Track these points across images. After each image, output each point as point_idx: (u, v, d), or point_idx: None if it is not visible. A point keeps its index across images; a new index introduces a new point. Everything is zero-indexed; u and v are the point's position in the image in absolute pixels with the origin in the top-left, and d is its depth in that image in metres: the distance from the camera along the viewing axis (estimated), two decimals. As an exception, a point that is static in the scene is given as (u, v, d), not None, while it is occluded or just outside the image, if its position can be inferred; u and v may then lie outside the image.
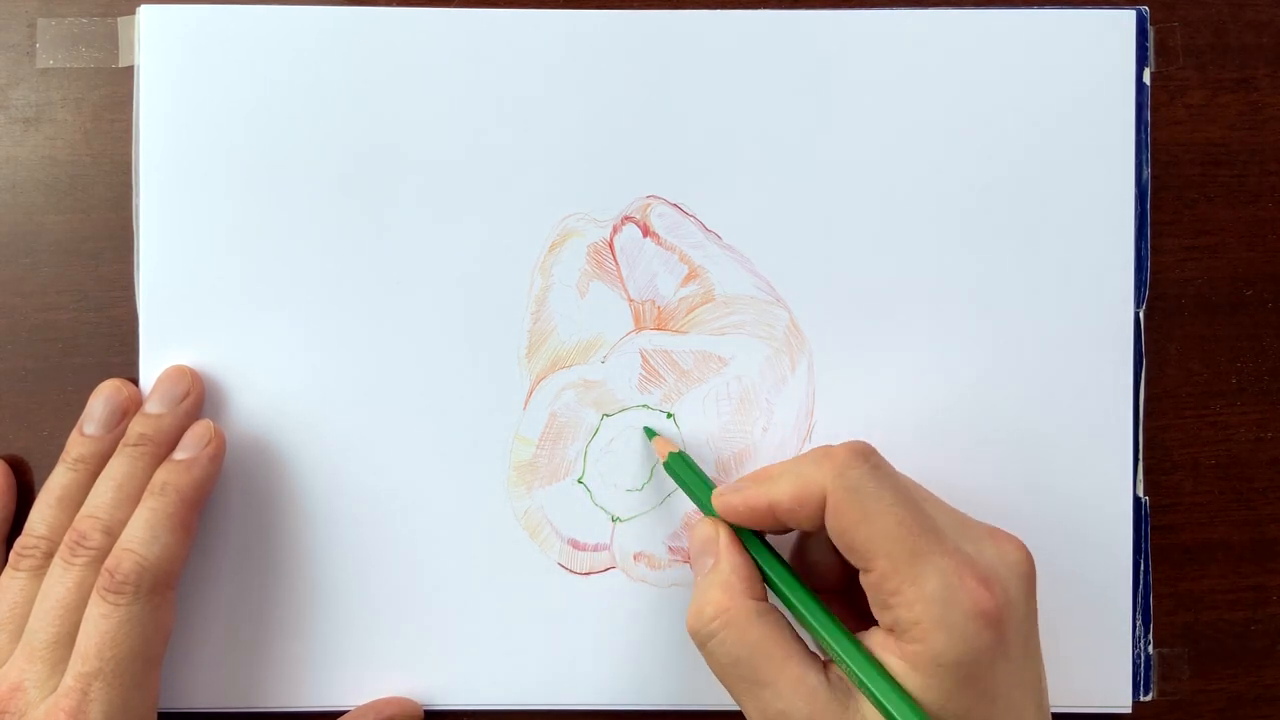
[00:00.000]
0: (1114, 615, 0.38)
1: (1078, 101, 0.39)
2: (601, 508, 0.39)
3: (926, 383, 0.39)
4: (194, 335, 0.38)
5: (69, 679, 0.33)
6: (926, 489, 0.33)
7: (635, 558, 0.39)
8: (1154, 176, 0.39)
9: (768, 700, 0.30)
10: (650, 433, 0.38)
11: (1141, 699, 0.39)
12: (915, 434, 0.38)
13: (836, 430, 0.38)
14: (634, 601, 0.38)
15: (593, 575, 0.38)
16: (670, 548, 0.39)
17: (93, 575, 0.34)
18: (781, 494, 0.32)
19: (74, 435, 0.37)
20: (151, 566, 0.34)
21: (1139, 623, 0.39)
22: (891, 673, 0.29)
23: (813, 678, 0.30)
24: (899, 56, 0.39)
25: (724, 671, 0.31)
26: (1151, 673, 0.39)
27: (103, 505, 0.35)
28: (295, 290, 0.38)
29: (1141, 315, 0.39)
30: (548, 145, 0.38)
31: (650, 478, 0.39)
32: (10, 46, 0.39)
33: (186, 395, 0.37)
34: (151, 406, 0.37)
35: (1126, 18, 0.39)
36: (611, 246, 0.39)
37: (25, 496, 0.38)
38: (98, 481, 0.36)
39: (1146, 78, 0.39)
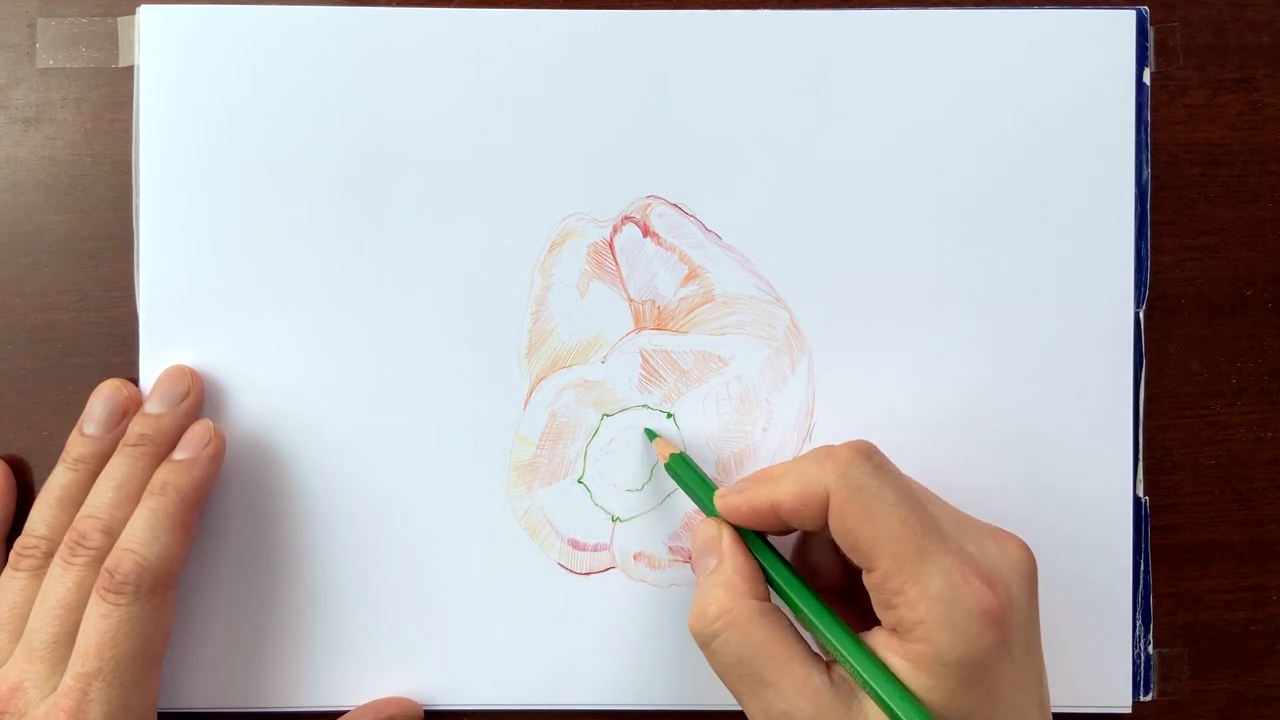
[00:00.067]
0: (1114, 615, 0.39)
1: (1078, 101, 0.39)
2: (601, 508, 0.39)
3: (926, 383, 0.39)
4: (194, 335, 0.38)
5: (69, 679, 0.33)
6: (928, 489, 0.33)
7: (635, 558, 0.39)
8: (1154, 176, 0.39)
9: (771, 700, 0.30)
10: (651, 434, 0.38)
11: (1141, 699, 0.39)
12: (915, 434, 0.38)
13: (836, 430, 0.38)
14: (634, 601, 0.38)
15: (593, 575, 0.38)
16: (670, 548, 0.39)
17: (93, 575, 0.34)
18: (784, 494, 0.32)
19: (74, 435, 0.37)
20: (151, 566, 0.34)
21: (1139, 623, 0.39)
22: (895, 673, 0.29)
23: (816, 678, 0.30)
24: (899, 56, 0.39)
25: (726, 672, 0.31)
26: (1151, 673, 0.39)
27: (103, 505, 0.35)
28: (295, 290, 0.38)
29: (1141, 315, 0.39)
30: (548, 145, 0.38)
31: (650, 478, 0.39)
32: (10, 46, 0.39)
33: (186, 395, 0.37)
34: (151, 406, 0.37)
35: (1126, 18, 0.39)
36: (611, 246, 0.39)
37: (25, 496, 0.38)
38: (98, 481, 0.36)
39: (1146, 78, 0.39)
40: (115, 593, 0.33)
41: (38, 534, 0.36)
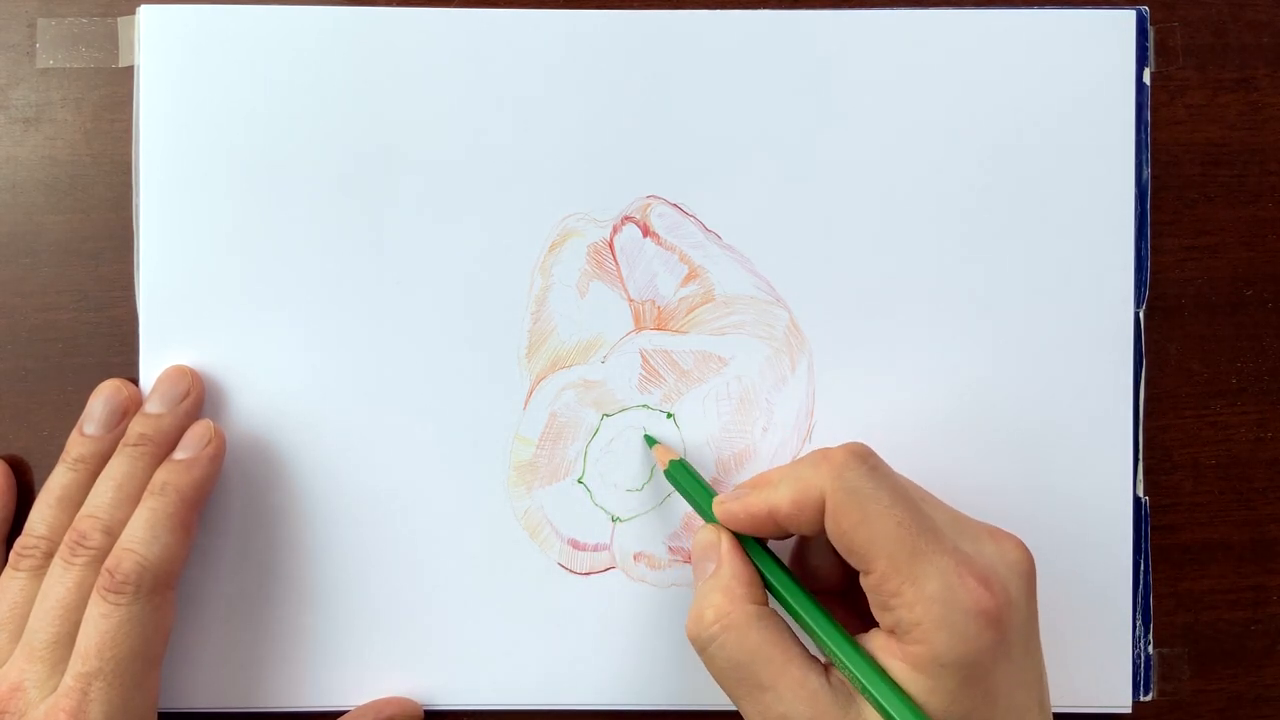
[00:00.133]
0: (1114, 615, 0.38)
1: (1078, 101, 0.39)
2: (601, 508, 0.39)
3: (926, 383, 0.39)
4: (194, 335, 0.38)
5: (69, 679, 0.33)
6: (925, 489, 0.33)
7: (635, 558, 0.39)
8: (1154, 176, 0.39)
9: (769, 704, 0.30)
10: (651, 440, 0.38)
11: (1141, 699, 0.39)
12: (915, 434, 0.38)
13: (836, 430, 0.38)
14: (634, 601, 0.38)
15: (593, 575, 0.38)
16: (670, 548, 0.39)
17: (93, 575, 0.34)
18: (781, 499, 0.32)
19: (74, 435, 0.37)
20: (152, 566, 0.34)
21: (1139, 623, 0.39)
22: (893, 676, 0.29)
23: (814, 681, 0.30)
24: (899, 56, 0.39)
25: (724, 676, 0.31)
26: (1151, 673, 0.39)
27: (103, 505, 0.35)
28: (295, 290, 0.38)
29: (1141, 315, 0.39)
30: (548, 145, 0.38)
31: (650, 478, 0.39)
32: (10, 46, 0.39)
33: (186, 395, 0.37)
34: (151, 406, 0.37)
35: (1126, 18, 0.39)
36: (611, 246, 0.39)
37: (25, 496, 0.38)
38: (98, 481, 0.36)
39: (1146, 78, 0.39)
40: (115, 593, 0.33)
41: (38, 534, 0.36)
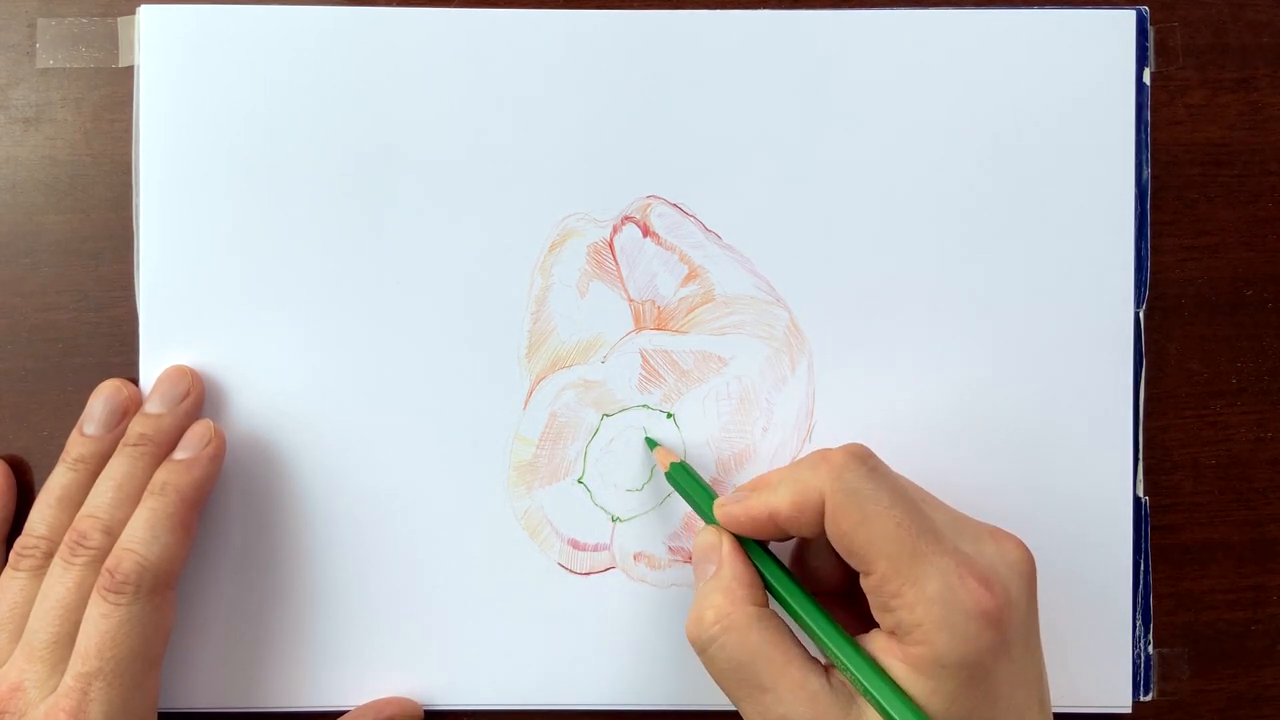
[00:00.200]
0: (1114, 615, 0.39)
1: (1078, 101, 0.39)
2: (601, 508, 0.39)
3: (926, 383, 0.39)
4: (194, 335, 0.38)
5: (69, 679, 0.33)
6: (925, 490, 0.33)
7: (635, 558, 0.39)
8: (1154, 176, 0.39)
9: (769, 705, 0.30)
10: (651, 443, 0.38)
11: (1141, 699, 0.39)
12: (915, 434, 0.38)
13: (836, 430, 0.38)
14: (634, 601, 0.38)
15: (593, 575, 0.38)
16: (670, 548, 0.39)
17: (93, 575, 0.34)
18: (781, 501, 0.32)
19: (74, 435, 0.37)
20: (152, 566, 0.34)
21: (1139, 623, 0.39)
22: (894, 677, 0.29)
23: (814, 682, 0.30)
24: (899, 56, 0.39)
25: (724, 677, 0.31)
26: (1151, 673, 0.39)
27: (103, 505, 0.35)
28: (295, 290, 0.38)
29: (1141, 315, 0.39)
30: (548, 145, 0.38)
31: (650, 478, 0.39)
32: (10, 46, 0.39)
33: (186, 395, 0.37)
34: (151, 406, 0.37)
35: (1126, 18, 0.39)
36: (611, 246, 0.39)
37: (25, 496, 0.38)
38: (98, 481, 0.36)
39: (1146, 78, 0.39)
40: (115, 593, 0.33)
41: (38, 534, 0.36)
